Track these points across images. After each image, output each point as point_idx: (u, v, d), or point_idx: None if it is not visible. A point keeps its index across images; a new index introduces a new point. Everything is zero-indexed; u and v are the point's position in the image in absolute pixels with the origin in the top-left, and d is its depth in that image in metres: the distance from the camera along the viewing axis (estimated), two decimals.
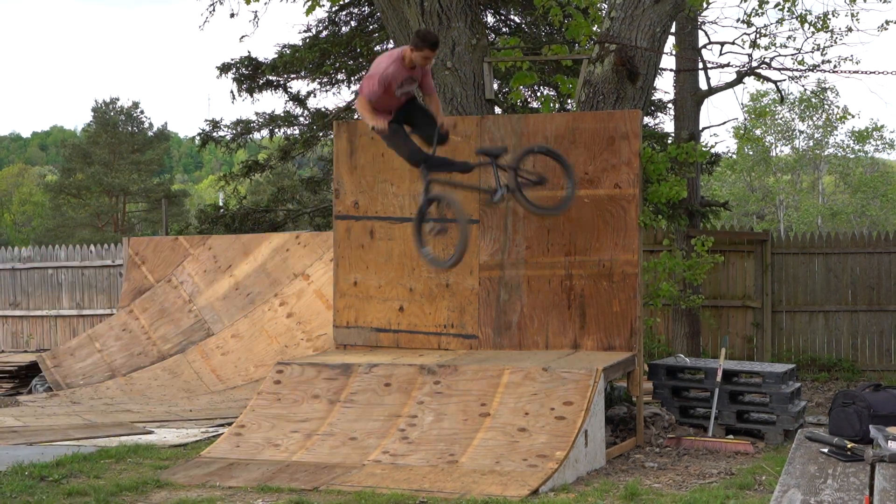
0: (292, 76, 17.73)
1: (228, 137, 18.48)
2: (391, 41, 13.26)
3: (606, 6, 10.44)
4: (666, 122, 19.11)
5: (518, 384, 7.84)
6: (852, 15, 16.01)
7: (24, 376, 14.08)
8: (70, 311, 16.49)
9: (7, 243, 38.78)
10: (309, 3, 12.03)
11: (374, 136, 9.53)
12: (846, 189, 37.65)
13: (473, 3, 10.12)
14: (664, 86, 26.45)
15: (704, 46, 16.48)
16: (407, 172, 9.17)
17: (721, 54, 16.98)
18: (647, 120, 17.29)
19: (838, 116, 32.48)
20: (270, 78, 17.55)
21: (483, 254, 9.18)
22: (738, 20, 16.45)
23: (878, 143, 36.53)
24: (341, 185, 9.73)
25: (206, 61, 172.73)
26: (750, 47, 16.13)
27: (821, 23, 15.77)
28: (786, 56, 24.53)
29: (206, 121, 20.35)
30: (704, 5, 13.36)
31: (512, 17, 17.73)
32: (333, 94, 24.38)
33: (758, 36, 16.10)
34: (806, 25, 15.76)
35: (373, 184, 9.56)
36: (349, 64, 17.55)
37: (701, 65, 16.00)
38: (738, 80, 16.16)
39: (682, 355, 10.44)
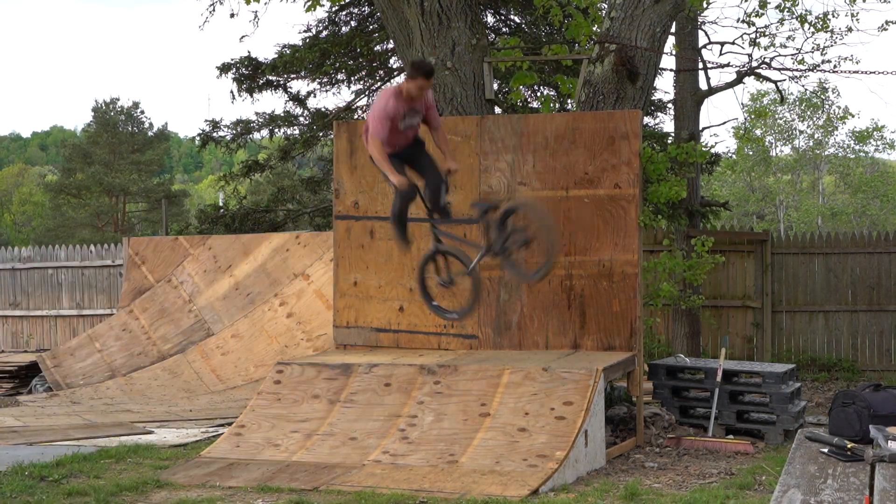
0: (292, 76, 17.72)
1: (228, 137, 18.47)
2: (391, 41, 13.27)
3: (606, 6, 10.44)
4: (666, 122, 19.13)
5: (518, 384, 7.84)
6: (852, 15, 16.01)
7: (24, 376, 14.08)
8: (70, 311, 16.49)
9: (7, 243, 38.79)
10: (309, 3, 12.04)
11: None
12: (846, 189, 37.64)
13: (473, 3, 10.11)
14: (664, 86, 26.48)
15: (704, 46, 16.49)
16: None
17: (721, 54, 17.00)
18: (647, 120, 17.29)
19: (839, 116, 32.51)
20: (270, 78, 17.55)
21: None
22: (738, 20, 16.45)
23: (879, 143, 36.54)
24: (341, 185, 9.73)
25: (206, 61, 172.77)
26: (750, 46, 16.14)
27: (821, 23, 15.77)
28: (786, 56, 24.58)
29: (206, 121, 20.36)
30: (704, 5, 13.37)
31: (512, 17, 17.73)
32: (333, 94, 24.38)
33: (758, 36, 16.11)
34: (806, 25, 15.76)
35: (373, 184, 9.56)
36: (349, 64, 17.55)
37: (701, 65, 16.00)
38: (738, 80, 16.16)
39: (682, 355, 10.44)
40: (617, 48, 9.45)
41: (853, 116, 31.21)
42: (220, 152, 19.40)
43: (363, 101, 18.38)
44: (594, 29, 11.10)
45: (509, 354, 8.80)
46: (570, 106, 13.34)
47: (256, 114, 19.25)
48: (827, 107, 34.19)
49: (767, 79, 16.51)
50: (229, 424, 9.23)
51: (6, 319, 16.79)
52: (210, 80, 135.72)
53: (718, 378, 9.23)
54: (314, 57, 16.81)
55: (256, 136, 18.88)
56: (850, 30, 16.59)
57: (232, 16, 14.42)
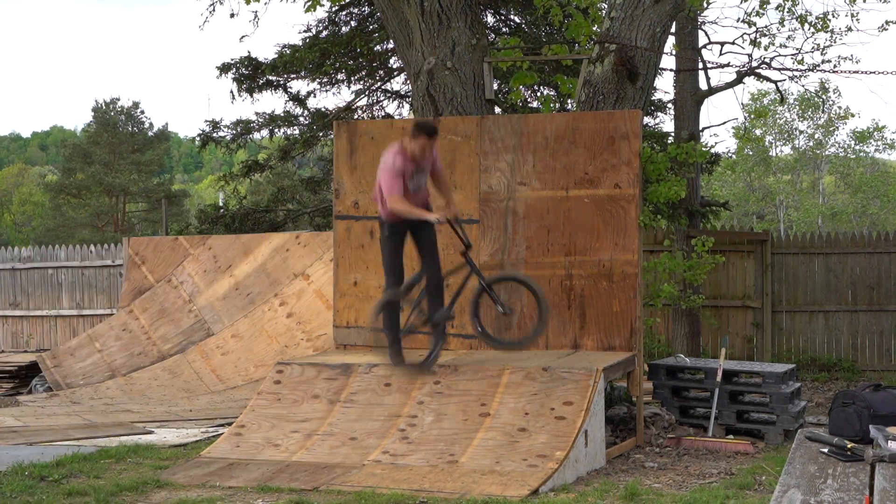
0: (292, 76, 17.73)
1: (228, 138, 18.48)
2: (391, 41, 13.26)
3: (606, 6, 10.44)
4: (666, 122, 19.13)
5: (518, 384, 7.84)
6: (852, 15, 16.01)
7: (24, 376, 14.09)
8: (70, 311, 16.49)
9: (7, 243, 38.80)
10: (309, 3, 12.04)
11: (375, 137, 9.56)
12: (846, 189, 37.67)
13: (473, 3, 10.11)
14: (664, 86, 26.46)
15: (704, 46, 16.49)
16: None
17: (721, 54, 17.01)
18: (647, 120, 17.30)
19: (840, 116, 32.49)
20: (270, 78, 17.55)
21: (483, 254, 9.18)
22: (738, 20, 16.46)
23: (879, 143, 36.56)
24: (341, 185, 9.73)
25: (206, 61, 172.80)
26: (750, 46, 16.15)
27: (821, 23, 15.77)
28: (786, 56, 24.56)
29: (206, 121, 20.38)
30: (704, 5, 13.38)
31: (512, 17, 17.74)
32: (333, 94, 24.39)
33: (758, 36, 16.11)
34: (806, 25, 15.76)
35: (373, 184, 9.52)
36: (349, 64, 17.55)
37: (701, 65, 16.00)
38: (738, 80, 16.17)
39: (682, 355, 10.44)
40: (617, 48, 9.45)
41: (854, 116, 31.20)
42: (220, 152, 19.41)
43: (363, 101, 18.41)
44: (594, 29, 11.11)
45: (509, 354, 8.79)
46: (570, 106, 13.35)
47: (256, 114, 19.27)
48: (828, 107, 34.20)
49: (767, 79, 16.53)
50: (229, 424, 9.23)
51: (6, 319, 16.79)
52: (210, 80, 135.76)
53: (718, 378, 9.23)
54: (314, 57, 16.81)
55: (256, 136, 18.90)
56: (849, 30, 16.61)
57: (232, 16, 14.43)
